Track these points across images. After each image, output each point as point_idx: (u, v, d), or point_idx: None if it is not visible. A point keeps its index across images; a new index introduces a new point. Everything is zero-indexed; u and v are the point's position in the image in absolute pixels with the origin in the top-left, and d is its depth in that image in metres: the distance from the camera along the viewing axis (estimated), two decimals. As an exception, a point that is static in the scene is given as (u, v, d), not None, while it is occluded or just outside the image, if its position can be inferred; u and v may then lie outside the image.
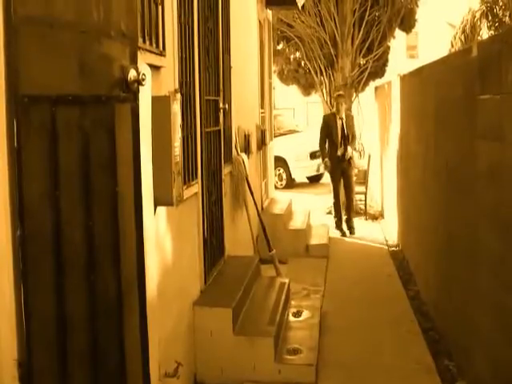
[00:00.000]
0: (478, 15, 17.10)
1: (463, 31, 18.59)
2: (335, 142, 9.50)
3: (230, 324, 4.38)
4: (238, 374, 4.36)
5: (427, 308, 6.00)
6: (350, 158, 9.55)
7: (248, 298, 5.09)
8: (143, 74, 2.43)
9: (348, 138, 9.55)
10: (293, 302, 5.83)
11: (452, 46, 18.85)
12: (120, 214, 2.34)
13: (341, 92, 10.76)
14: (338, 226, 9.77)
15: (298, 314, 5.46)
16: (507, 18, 16.21)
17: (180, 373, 3.36)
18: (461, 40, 18.36)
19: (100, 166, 2.24)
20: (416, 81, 7.12)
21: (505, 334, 3.52)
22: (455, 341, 4.83)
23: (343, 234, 9.65)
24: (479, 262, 4.06)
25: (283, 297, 5.36)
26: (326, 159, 9.64)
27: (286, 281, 5.86)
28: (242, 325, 4.57)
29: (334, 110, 9.88)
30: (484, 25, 16.98)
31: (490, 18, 16.47)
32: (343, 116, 9.65)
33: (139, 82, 2.42)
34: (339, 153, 9.43)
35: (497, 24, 16.25)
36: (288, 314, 5.43)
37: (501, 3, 16.09)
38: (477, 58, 4.17)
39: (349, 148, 9.49)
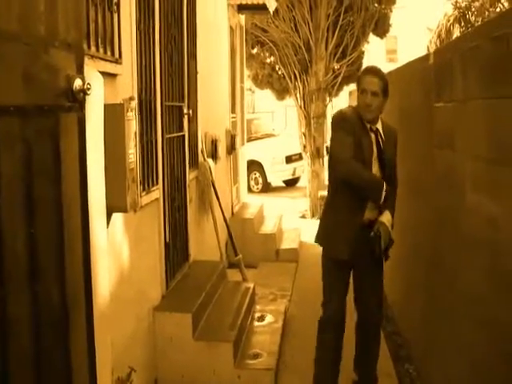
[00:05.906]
0: (451, 20, 17.29)
1: (438, 36, 18.75)
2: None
3: (189, 329, 4.40)
4: (199, 379, 4.37)
5: (392, 312, 6.06)
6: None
7: (211, 302, 5.11)
8: (88, 84, 2.45)
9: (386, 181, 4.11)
10: (258, 307, 5.86)
11: (428, 50, 18.99)
12: (65, 223, 2.35)
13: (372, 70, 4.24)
14: None
15: (261, 319, 5.50)
16: (479, 23, 16.37)
17: (133, 378, 3.38)
18: (436, 44, 18.51)
19: (43, 175, 2.24)
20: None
21: (456, 344, 3.55)
22: (416, 345, 4.89)
23: None
24: (437, 270, 4.10)
25: (247, 301, 5.39)
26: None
27: (251, 285, 5.89)
28: (202, 330, 4.59)
29: (360, 110, 4.02)
30: (457, 30, 17.16)
31: (462, 23, 16.65)
32: (379, 127, 4.14)
33: (84, 91, 2.44)
34: (367, 217, 4.08)
35: (469, 29, 16.40)
36: (252, 319, 5.46)
37: (473, 9, 16.28)
38: (433, 65, 4.23)
39: (386, 214, 4.07)
